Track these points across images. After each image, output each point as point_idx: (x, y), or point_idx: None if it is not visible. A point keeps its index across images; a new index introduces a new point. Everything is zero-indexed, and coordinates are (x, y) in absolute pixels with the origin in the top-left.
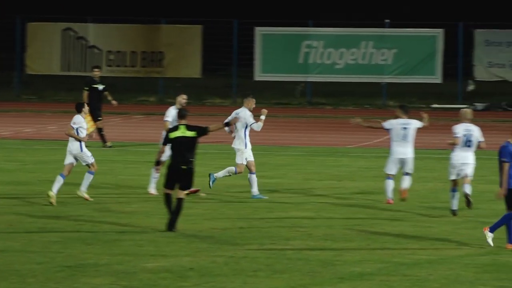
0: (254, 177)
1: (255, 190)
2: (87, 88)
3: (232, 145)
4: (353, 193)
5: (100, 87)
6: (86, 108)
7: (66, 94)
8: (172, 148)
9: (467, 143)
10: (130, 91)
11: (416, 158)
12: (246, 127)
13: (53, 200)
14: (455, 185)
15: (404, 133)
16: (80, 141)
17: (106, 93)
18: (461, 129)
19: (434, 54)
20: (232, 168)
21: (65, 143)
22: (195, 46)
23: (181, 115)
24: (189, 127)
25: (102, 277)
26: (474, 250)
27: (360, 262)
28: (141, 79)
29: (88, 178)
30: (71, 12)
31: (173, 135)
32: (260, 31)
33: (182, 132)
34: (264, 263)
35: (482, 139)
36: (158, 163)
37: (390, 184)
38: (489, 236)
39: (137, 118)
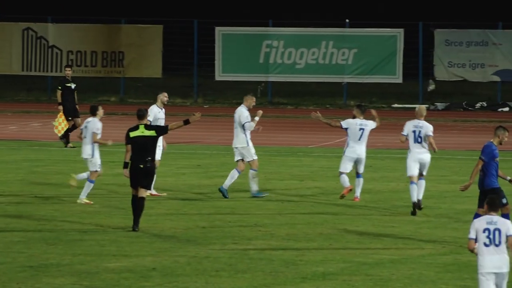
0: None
1: (255, 188)
2: (60, 88)
3: (233, 145)
4: (315, 193)
5: (73, 86)
6: (61, 107)
7: (27, 94)
8: (132, 148)
9: (418, 139)
10: (90, 91)
11: (378, 158)
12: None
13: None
14: (412, 179)
15: (360, 134)
16: (96, 144)
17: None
18: (411, 125)
19: (395, 54)
20: (235, 172)
21: (27, 143)
22: (155, 46)
23: (139, 115)
24: (147, 127)
25: (64, 277)
26: (436, 250)
27: (322, 262)
28: (101, 79)
29: (88, 187)
30: (32, 12)
31: (132, 134)
32: (220, 31)
33: (141, 131)
34: (226, 263)
35: (431, 133)
36: (126, 165)
37: (345, 179)
38: None
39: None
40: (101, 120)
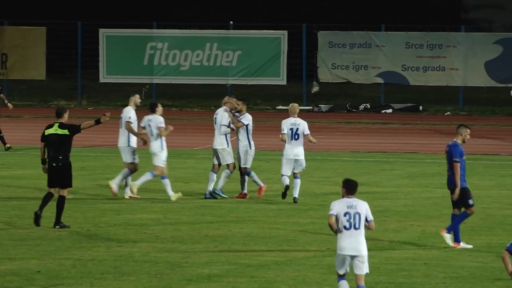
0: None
1: (220, 186)
2: None
3: (213, 146)
4: (200, 195)
5: None
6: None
7: None
8: (46, 146)
9: (295, 136)
10: None
11: (262, 160)
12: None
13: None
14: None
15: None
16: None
17: (1, 95)
18: (288, 123)
19: (279, 56)
20: (227, 171)
21: None
22: (39, 48)
23: (57, 113)
24: (61, 125)
25: None
26: (321, 251)
27: (208, 264)
28: None
29: (146, 178)
30: None
31: (47, 132)
32: (104, 33)
33: (55, 129)
34: (111, 265)
35: (308, 132)
36: (43, 161)
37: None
38: (447, 237)
39: None
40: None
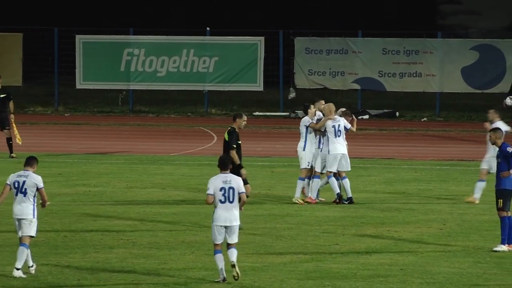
0: None
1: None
2: None
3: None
4: (176, 201)
5: (2, 95)
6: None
7: None
8: None
9: (337, 133)
10: None
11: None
12: None
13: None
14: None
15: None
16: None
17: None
18: (330, 124)
19: (255, 62)
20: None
21: None
22: (15, 55)
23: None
24: None
25: None
26: (297, 257)
27: (185, 269)
28: None
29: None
30: None
31: None
32: (81, 39)
33: None
34: (88, 272)
35: (349, 125)
36: None
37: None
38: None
39: None
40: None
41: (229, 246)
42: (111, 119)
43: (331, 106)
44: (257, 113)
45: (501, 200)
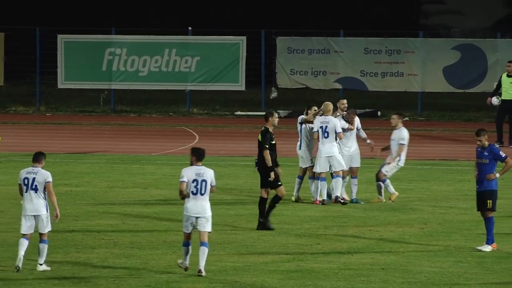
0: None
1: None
2: None
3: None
4: (158, 201)
5: None
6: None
7: None
8: None
9: (324, 134)
10: None
11: (221, 166)
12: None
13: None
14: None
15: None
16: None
17: None
18: (318, 122)
19: (237, 61)
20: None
21: None
22: None
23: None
24: None
25: None
26: (279, 257)
27: (166, 269)
28: None
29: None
30: None
31: None
32: (62, 39)
33: None
34: (69, 271)
35: (339, 130)
36: None
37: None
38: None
39: None
40: None
41: (201, 241)
42: (93, 119)
43: (328, 105)
44: (239, 113)
45: (490, 201)
